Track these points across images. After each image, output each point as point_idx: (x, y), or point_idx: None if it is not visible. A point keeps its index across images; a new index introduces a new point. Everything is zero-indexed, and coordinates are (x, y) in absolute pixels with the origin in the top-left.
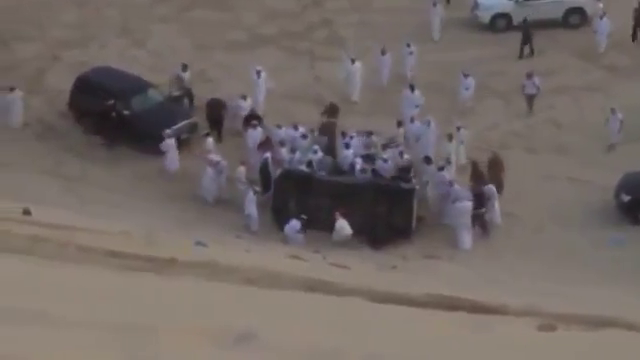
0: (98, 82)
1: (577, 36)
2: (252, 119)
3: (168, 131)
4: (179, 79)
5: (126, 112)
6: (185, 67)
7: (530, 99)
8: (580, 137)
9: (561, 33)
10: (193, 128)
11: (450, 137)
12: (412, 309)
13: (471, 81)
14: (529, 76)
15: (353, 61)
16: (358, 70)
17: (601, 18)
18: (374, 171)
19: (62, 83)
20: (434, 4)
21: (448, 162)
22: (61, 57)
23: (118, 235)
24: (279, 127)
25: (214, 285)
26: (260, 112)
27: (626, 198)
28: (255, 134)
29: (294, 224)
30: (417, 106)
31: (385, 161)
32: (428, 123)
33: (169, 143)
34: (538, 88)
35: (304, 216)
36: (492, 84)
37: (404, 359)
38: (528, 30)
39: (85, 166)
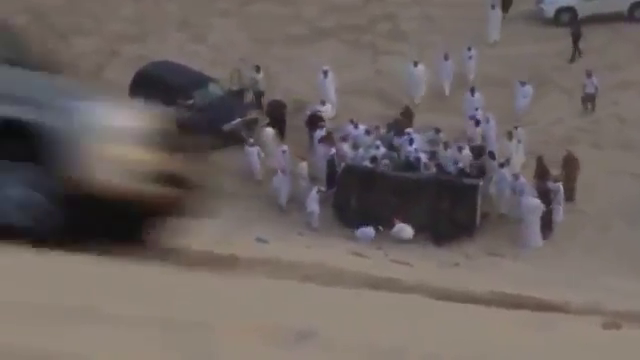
0: (158, 76)
1: None
2: (317, 120)
3: (227, 126)
4: (239, 74)
5: (187, 107)
6: (258, 68)
7: (590, 99)
8: None
9: (626, 27)
10: (253, 124)
11: (510, 135)
12: (475, 307)
13: (529, 89)
14: (589, 75)
15: (416, 64)
16: (422, 73)
17: None
18: (439, 166)
19: (121, 78)
20: (492, 6)
21: (507, 161)
22: (120, 52)
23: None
24: (354, 125)
25: (274, 282)
26: (333, 112)
27: None
28: (321, 134)
29: (368, 231)
30: (477, 109)
31: (455, 163)
32: (487, 120)
33: (250, 150)
34: (597, 88)
35: (381, 228)
36: (556, 79)
37: (466, 358)
38: (578, 30)
39: None
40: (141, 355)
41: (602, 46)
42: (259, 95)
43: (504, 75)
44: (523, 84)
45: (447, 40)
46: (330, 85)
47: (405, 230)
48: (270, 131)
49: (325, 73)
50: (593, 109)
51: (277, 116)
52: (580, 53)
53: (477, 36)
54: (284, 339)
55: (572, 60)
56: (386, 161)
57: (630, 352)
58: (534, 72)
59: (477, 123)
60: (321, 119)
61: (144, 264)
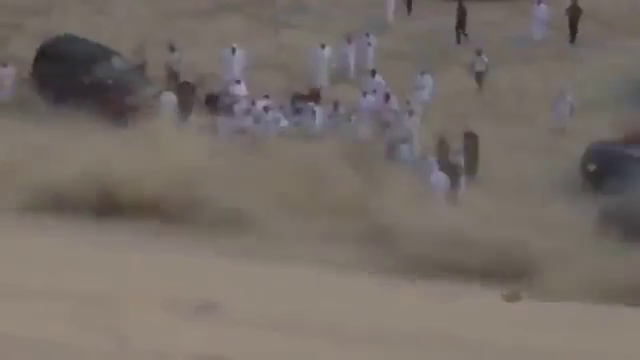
0: (60, 50)
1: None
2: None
3: (131, 99)
4: (142, 48)
5: (87, 80)
6: (172, 48)
7: (479, 76)
8: (546, 106)
9: (526, 2)
10: (156, 96)
11: (410, 112)
12: (378, 278)
13: (428, 79)
14: (478, 53)
15: (323, 46)
16: (328, 56)
17: None
18: None
19: (25, 52)
20: None
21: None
22: (24, 25)
23: None
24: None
25: (180, 256)
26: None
27: (592, 168)
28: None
29: None
30: (374, 91)
31: None
32: (388, 96)
33: None
34: (486, 65)
35: None
36: (456, 53)
37: (362, 327)
38: (577, 10)
39: (48, 135)
40: (46, 327)
41: (501, 20)
42: (174, 75)
43: (406, 49)
44: (423, 73)
45: (349, 14)
46: (237, 62)
47: None
48: (170, 95)
49: (233, 50)
50: (480, 87)
51: (186, 99)
52: (464, 33)
53: (378, 9)
54: (185, 310)
55: (458, 41)
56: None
57: (530, 323)
58: (436, 47)
59: (387, 97)
60: (217, 98)
61: (50, 237)
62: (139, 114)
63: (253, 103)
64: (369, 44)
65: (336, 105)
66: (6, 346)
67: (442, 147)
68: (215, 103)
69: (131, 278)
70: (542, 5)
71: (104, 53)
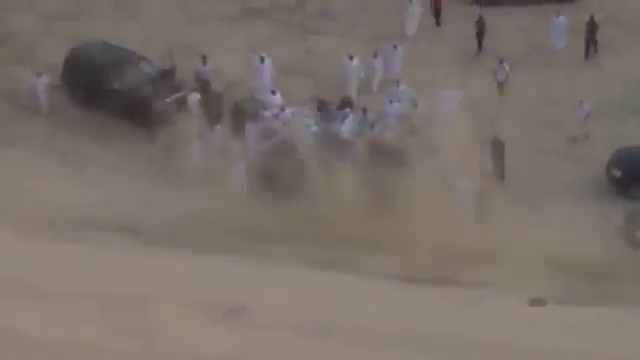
0: (89, 55)
1: (568, 10)
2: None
3: (160, 104)
4: (170, 53)
5: (117, 85)
6: (205, 59)
7: (501, 85)
8: (571, 112)
9: (552, 7)
10: (184, 102)
11: None
12: (403, 284)
13: (455, 95)
14: (501, 61)
15: (351, 57)
16: (357, 67)
17: None
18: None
19: (55, 56)
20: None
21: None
22: (54, 30)
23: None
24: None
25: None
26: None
27: (618, 173)
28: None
29: None
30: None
31: None
32: (415, 103)
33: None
34: (507, 74)
35: None
36: (483, 58)
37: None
38: (594, 25)
39: (78, 140)
40: (77, 329)
41: (529, 26)
42: (205, 85)
43: (432, 55)
44: (448, 91)
45: (376, 19)
46: (267, 71)
47: None
48: (195, 96)
49: (262, 59)
50: (502, 95)
51: (215, 109)
52: (596, 50)
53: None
54: (215, 314)
55: (587, 56)
56: None
57: (554, 328)
58: (462, 53)
59: (415, 104)
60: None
61: (80, 241)
62: (168, 119)
63: (282, 109)
64: (396, 55)
65: (365, 112)
66: (36, 348)
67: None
68: (242, 113)
69: (160, 281)
70: (561, 17)
71: (133, 58)
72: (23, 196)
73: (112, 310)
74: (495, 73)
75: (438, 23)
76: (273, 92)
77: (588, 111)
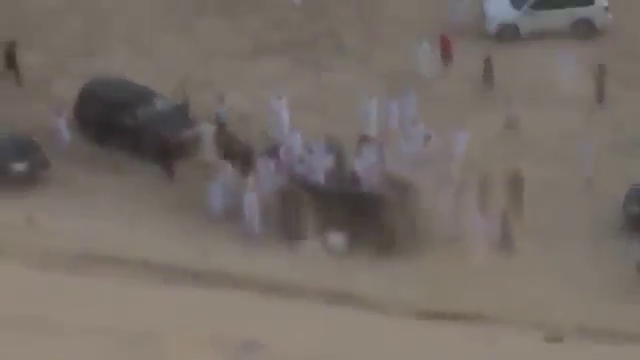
0: (102, 91)
1: (586, 47)
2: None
3: (174, 139)
4: (184, 88)
5: (130, 121)
6: (222, 99)
7: (513, 122)
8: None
9: (569, 44)
10: (198, 137)
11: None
12: (422, 321)
13: (464, 136)
14: (509, 100)
15: (370, 97)
16: (375, 107)
17: None
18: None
19: (68, 93)
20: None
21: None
22: (67, 66)
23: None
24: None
25: (221, 293)
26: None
27: (635, 210)
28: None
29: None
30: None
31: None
32: (429, 136)
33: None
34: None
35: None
36: (498, 93)
37: None
38: (603, 70)
39: (90, 175)
40: None
41: (544, 63)
42: (222, 125)
43: (448, 91)
44: (459, 130)
45: (388, 56)
46: (284, 110)
47: (337, 240)
48: (208, 127)
49: (279, 98)
50: (512, 132)
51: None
52: (493, 80)
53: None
54: (231, 349)
55: (490, 87)
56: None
57: None
58: (475, 89)
59: (427, 138)
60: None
61: (93, 276)
62: (183, 154)
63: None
64: (410, 101)
65: (381, 147)
66: None
67: (484, 186)
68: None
69: (175, 316)
70: (569, 59)
71: (146, 94)
72: (37, 231)
73: (127, 345)
74: (506, 110)
75: (447, 64)
76: (294, 132)
77: (591, 152)
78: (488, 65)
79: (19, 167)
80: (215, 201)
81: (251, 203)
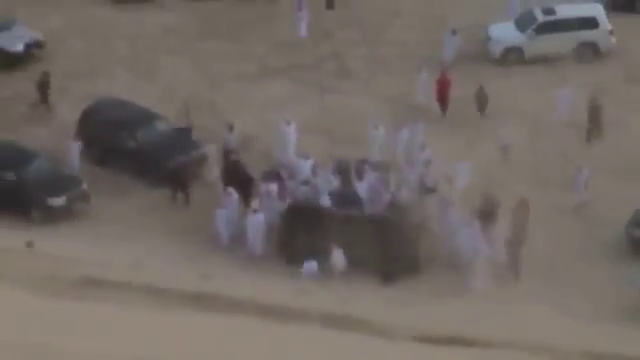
0: (104, 113)
1: (590, 70)
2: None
3: (173, 162)
4: (187, 110)
5: (132, 144)
6: (231, 128)
7: (506, 148)
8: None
9: (574, 67)
10: (202, 160)
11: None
12: (423, 345)
13: (465, 167)
14: (504, 125)
15: (377, 127)
16: (381, 134)
17: None
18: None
19: (70, 114)
20: (453, 32)
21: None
22: (69, 88)
23: (125, 268)
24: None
25: (222, 319)
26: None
27: (638, 233)
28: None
29: (312, 267)
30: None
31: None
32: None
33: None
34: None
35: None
36: (501, 118)
37: None
38: (597, 109)
39: (93, 198)
40: None
41: (549, 86)
42: (229, 153)
43: (450, 114)
44: (460, 162)
45: (391, 80)
46: (292, 135)
47: (338, 258)
48: (212, 147)
49: (288, 123)
50: (505, 159)
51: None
52: (485, 109)
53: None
54: None
55: (482, 116)
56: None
57: None
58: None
59: (427, 163)
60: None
61: (94, 301)
62: (185, 178)
63: (313, 174)
64: (419, 127)
65: (386, 171)
66: None
67: (486, 209)
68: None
69: (177, 341)
70: (566, 90)
71: (148, 116)
72: (39, 255)
73: None
74: (497, 137)
75: (444, 110)
76: (305, 157)
77: (587, 177)
78: (481, 94)
79: (57, 202)
80: (221, 227)
81: (254, 225)
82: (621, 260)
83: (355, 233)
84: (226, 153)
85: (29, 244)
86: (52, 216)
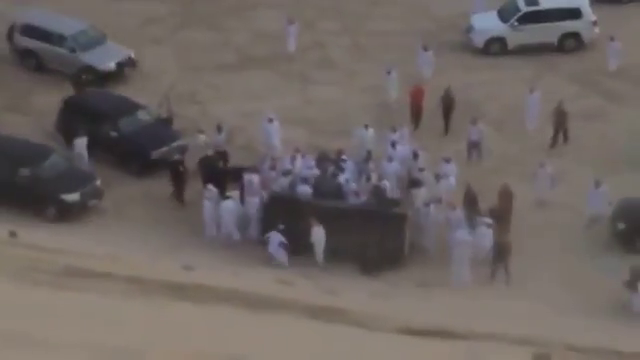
0: (85, 103)
1: (573, 61)
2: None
3: (157, 152)
4: (168, 101)
5: (113, 134)
6: (220, 128)
7: (474, 146)
8: (575, 164)
9: (557, 58)
10: (183, 150)
11: (437, 177)
12: (405, 337)
13: (452, 167)
14: (473, 122)
15: (367, 127)
16: (371, 136)
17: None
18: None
19: (51, 104)
20: (425, 49)
21: (438, 199)
22: (51, 77)
23: (105, 258)
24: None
25: (204, 309)
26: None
27: (621, 226)
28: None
29: (276, 238)
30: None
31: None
32: (416, 154)
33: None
34: (482, 135)
35: (281, 225)
36: (484, 108)
37: None
38: (563, 114)
39: None
40: None
41: (532, 77)
42: (223, 155)
43: (432, 105)
44: (447, 161)
45: (374, 70)
46: (275, 132)
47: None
48: (203, 137)
49: (270, 120)
50: (479, 156)
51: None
52: (566, 139)
53: (405, 65)
54: None
55: (552, 145)
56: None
57: None
58: (462, 102)
59: (415, 156)
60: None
61: (75, 291)
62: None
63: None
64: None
65: (366, 161)
66: None
67: (470, 199)
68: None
69: (158, 331)
70: (535, 94)
71: (129, 106)
72: (20, 245)
73: None
74: (469, 134)
75: (416, 124)
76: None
77: (553, 175)
78: (447, 97)
79: (71, 198)
80: (208, 219)
81: (226, 210)
82: (605, 253)
83: (336, 224)
84: (217, 154)
85: (12, 234)
86: (67, 212)
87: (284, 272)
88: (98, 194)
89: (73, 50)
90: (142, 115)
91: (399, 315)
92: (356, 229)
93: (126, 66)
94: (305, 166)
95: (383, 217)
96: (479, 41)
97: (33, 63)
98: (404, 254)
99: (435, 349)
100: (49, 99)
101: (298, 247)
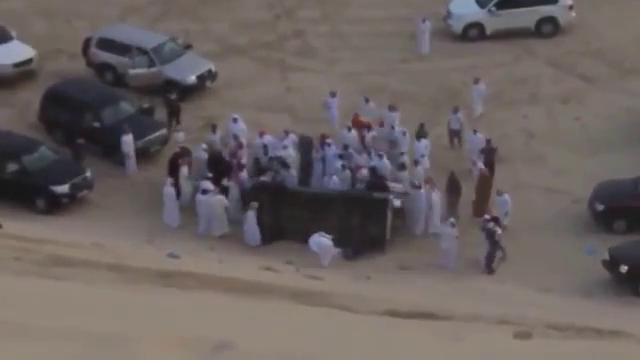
0: (67, 93)
1: (550, 45)
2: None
3: (139, 142)
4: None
5: (96, 124)
6: (214, 128)
7: (455, 134)
8: (552, 146)
9: (534, 42)
10: (164, 140)
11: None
12: (388, 319)
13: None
14: (455, 111)
15: (333, 94)
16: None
17: None
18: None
19: (33, 94)
20: (423, 20)
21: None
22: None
23: (90, 247)
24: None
25: (191, 295)
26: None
27: (600, 207)
28: None
29: (251, 216)
30: (393, 126)
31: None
32: (403, 133)
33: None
34: (462, 124)
35: (256, 203)
36: (463, 94)
37: None
38: (492, 150)
39: None
40: None
41: (510, 61)
42: (219, 154)
43: (414, 91)
44: (419, 139)
45: (355, 57)
46: (241, 131)
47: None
48: (181, 135)
49: (235, 120)
50: (460, 144)
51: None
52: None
53: (386, 51)
54: (202, 350)
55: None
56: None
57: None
58: (442, 88)
59: (404, 133)
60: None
61: (61, 279)
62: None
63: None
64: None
65: (346, 147)
66: None
67: (453, 187)
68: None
69: (145, 318)
70: (480, 85)
71: (112, 96)
72: (5, 235)
73: (97, 348)
74: (448, 122)
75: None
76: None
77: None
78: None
79: (60, 189)
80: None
81: (205, 204)
82: (585, 234)
83: (319, 209)
84: (212, 154)
85: None
86: (57, 204)
87: (268, 259)
88: (88, 185)
89: (153, 64)
90: (124, 105)
91: (382, 297)
92: (338, 214)
93: (207, 79)
94: (273, 146)
95: (365, 202)
96: (457, 27)
97: (111, 77)
98: (386, 238)
99: (418, 331)
100: (34, 91)
101: (281, 233)
